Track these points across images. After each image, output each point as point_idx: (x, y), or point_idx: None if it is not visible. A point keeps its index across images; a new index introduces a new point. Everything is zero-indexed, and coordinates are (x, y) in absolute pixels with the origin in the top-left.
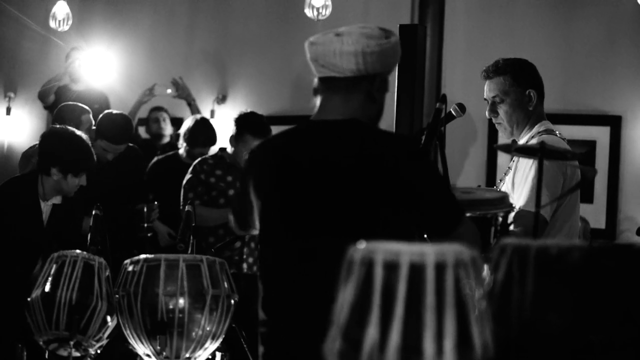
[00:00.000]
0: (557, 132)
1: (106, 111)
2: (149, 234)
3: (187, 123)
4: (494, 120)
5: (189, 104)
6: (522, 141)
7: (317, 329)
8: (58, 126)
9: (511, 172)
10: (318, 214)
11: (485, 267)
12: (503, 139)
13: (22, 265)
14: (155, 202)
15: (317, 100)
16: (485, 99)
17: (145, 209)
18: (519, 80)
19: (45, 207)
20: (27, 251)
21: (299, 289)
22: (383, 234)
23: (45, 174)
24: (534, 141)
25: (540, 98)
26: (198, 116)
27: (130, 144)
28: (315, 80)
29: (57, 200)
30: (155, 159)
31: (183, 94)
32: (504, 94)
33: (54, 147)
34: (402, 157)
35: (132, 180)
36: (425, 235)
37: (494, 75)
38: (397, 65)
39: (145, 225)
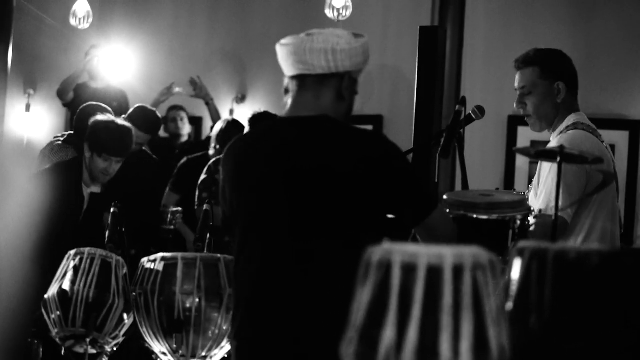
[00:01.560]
0: (587, 123)
1: (138, 105)
2: (170, 236)
3: (219, 125)
4: (522, 113)
5: (207, 104)
6: (554, 134)
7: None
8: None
9: (536, 174)
10: (292, 211)
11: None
12: (523, 139)
13: (58, 246)
14: (179, 208)
15: (288, 99)
16: (515, 90)
17: (169, 213)
18: (547, 72)
19: (86, 193)
20: (64, 235)
21: (262, 290)
22: (358, 229)
23: (81, 150)
24: (560, 138)
25: (571, 90)
26: (229, 118)
27: (144, 148)
28: (286, 80)
29: (96, 189)
30: (185, 159)
31: (201, 93)
32: (532, 86)
33: (86, 120)
34: (374, 152)
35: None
36: (401, 225)
37: (523, 66)
38: (365, 66)
39: (167, 228)
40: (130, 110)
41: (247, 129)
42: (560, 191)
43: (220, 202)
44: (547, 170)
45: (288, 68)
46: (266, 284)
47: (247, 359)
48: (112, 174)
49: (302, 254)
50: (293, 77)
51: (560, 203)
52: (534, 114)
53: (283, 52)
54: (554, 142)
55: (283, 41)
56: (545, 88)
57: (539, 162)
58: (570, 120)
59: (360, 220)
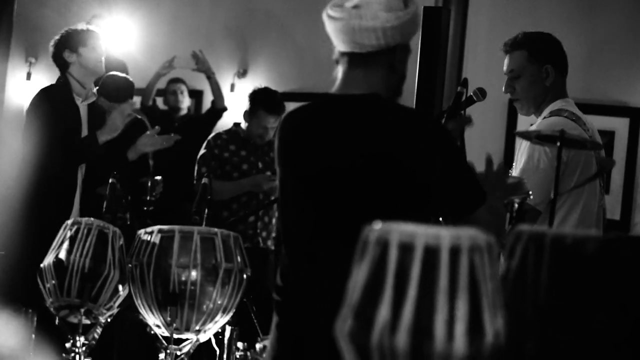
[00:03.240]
0: (572, 110)
1: (109, 73)
2: (151, 208)
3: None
4: (511, 96)
5: (209, 78)
6: (539, 119)
7: (334, 304)
8: None
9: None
10: (336, 190)
11: (500, 253)
12: (523, 124)
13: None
14: (159, 177)
15: (338, 71)
16: (504, 73)
17: (149, 183)
18: (535, 55)
19: (82, 107)
20: (68, 155)
21: (317, 264)
22: (401, 213)
23: (66, 68)
24: (539, 124)
25: (559, 73)
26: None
27: (139, 116)
28: (336, 50)
29: (91, 98)
30: (215, 134)
31: (203, 67)
32: (520, 69)
33: (59, 37)
34: (423, 134)
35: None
36: (441, 217)
37: (511, 50)
38: (418, 31)
39: (149, 199)
40: (102, 79)
41: (247, 105)
42: (535, 178)
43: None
44: (519, 153)
45: (337, 43)
46: (307, 265)
47: (283, 337)
48: (104, 50)
49: (341, 234)
50: (342, 53)
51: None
52: (523, 98)
53: (331, 26)
54: (534, 126)
55: (330, 12)
56: (533, 71)
57: (519, 142)
58: (555, 106)
59: (403, 207)
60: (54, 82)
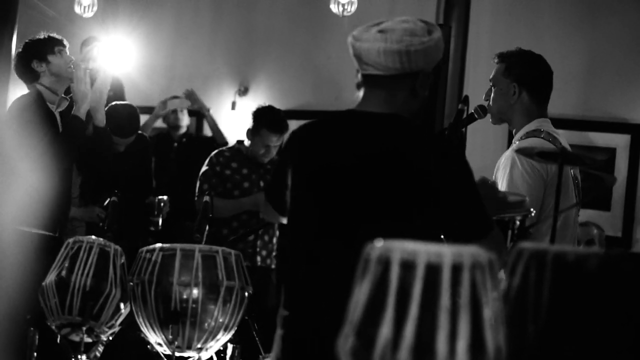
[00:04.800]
0: (552, 132)
1: (112, 104)
2: (159, 227)
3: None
4: (487, 104)
5: (204, 115)
6: (516, 137)
7: (337, 322)
8: None
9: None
10: (350, 206)
11: (502, 270)
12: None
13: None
14: (165, 197)
15: (360, 93)
16: None
17: (156, 202)
18: (509, 71)
19: (57, 115)
20: (60, 158)
21: (325, 280)
22: (410, 232)
23: (36, 79)
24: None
25: (531, 96)
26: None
27: (140, 132)
28: (359, 75)
29: (63, 105)
30: (217, 151)
31: (197, 104)
32: (495, 81)
33: (22, 49)
34: (440, 157)
35: (140, 172)
36: (448, 240)
37: (498, 61)
38: (439, 59)
39: (156, 219)
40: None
41: (250, 123)
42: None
43: (272, 188)
44: (500, 168)
45: (360, 65)
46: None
47: (288, 349)
48: (72, 59)
49: (352, 248)
50: (365, 75)
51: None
52: (492, 108)
53: (355, 49)
54: (513, 146)
55: (355, 34)
56: (503, 85)
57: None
58: (531, 126)
59: (415, 223)
60: None
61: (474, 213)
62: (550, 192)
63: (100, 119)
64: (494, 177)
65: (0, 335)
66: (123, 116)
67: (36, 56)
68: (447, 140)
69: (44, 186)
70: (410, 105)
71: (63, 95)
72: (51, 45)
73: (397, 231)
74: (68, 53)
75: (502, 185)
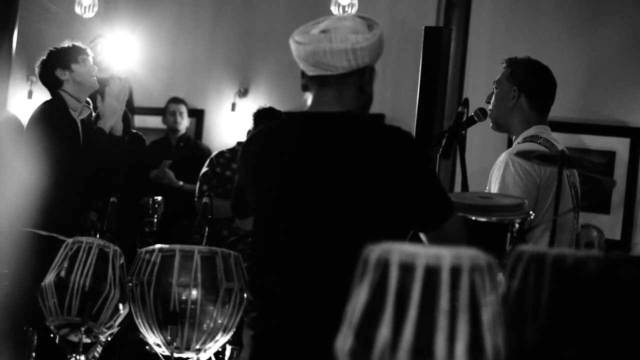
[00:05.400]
0: (546, 137)
1: None
2: (154, 228)
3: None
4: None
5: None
6: (514, 144)
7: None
8: None
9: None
10: (317, 206)
11: (501, 273)
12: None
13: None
14: (160, 197)
15: (308, 95)
16: None
17: (150, 203)
18: (512, 75)
19: (78, 121)
20: (79, 165)
21: (290, 282)
22: (381, 228)
23: (59, 86)
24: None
25: (530, 103)
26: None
27: (134, 130)
28: (304, 77)
29: (85, 113)
30: (217, 152)
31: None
32: (498, 84)
33: (46, 57)
34: (400, 150)
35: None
36: (414, 230)
37: (505, 65)
38: (382, 53)
39: (150, 219)
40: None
41: (251, 124)
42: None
43: (234, 190)
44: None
45: (307, 67)
46: (284, 279)
47: (261, 348)
48: (96, 68)
49: (320, 251)
50: (312, 77)
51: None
52: (492, 110)
53: (300, 51)
54: (509, 149)
55: (297, 38)
56: (504, 88)
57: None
58: (529, 132)
59: (378, 217)
60: None
61: (436, 198)
62: (543, 196)
63: (119, 129)
64: (489, 179)
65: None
66: None
67: (60, 64)
68: (406, 133)
69: (58, 191)
70: (360, 101)
71: (85, 103)
72: (75, 54)
73: (375, 230)
74: (92, 62)
75: (494, 188)
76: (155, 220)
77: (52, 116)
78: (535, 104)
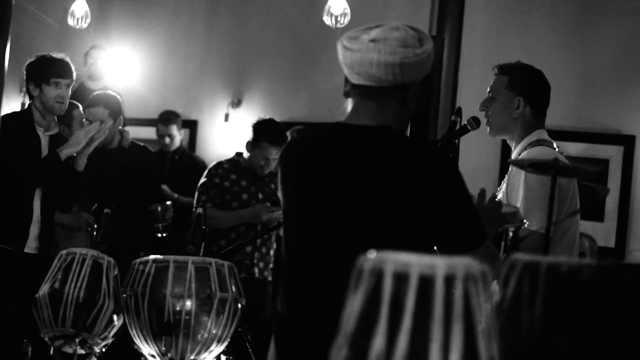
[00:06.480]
0: (552, 142)
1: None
2: (164, 234)
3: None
4: (484, 115)
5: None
6: (517, 148)
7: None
8: None
9: (504, 185)
10: (342, 218)
11: (495, 282)
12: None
13: (22, 192)
14: (169, 202)
15: (349, 103)
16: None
17: (159, 209)
18: (513, 84)
19: (44, 137)
20: (27, 179)
21: (314, 291)
22: (403, 244)
23: (31, 98)
24: (528, 152)
25: (533, 110)
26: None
27: (142, 144)
28: (347, 83)
29: (54, 130)
30: (216, 162)
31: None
32: (496, 92)
33: (26, 66)
34: (433, 168)
35: (146, 181)
36: (441, 251)
37: (498, 73)
38: (430, 70)
39: (161, 225)
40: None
41: (250, 135)
42: (540, 205)
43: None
44: (515, 184)
45: (351, 75)
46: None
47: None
48: (66, 100)
49: (339, 261)
50: (356, 85)
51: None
52: (492, 120)
53: (347, 57)
54: (515, 154)
55: (346, 43)
56: (506, 98)
57: (508, 172)
58: (534, 136)
59: (409, 234)
60: None
61: (467, 223)
62: (565, 198)
63: (81, 165)
64: (499, 189)
65: None
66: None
67: (33, 79)
68: (440, 150)
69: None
70: (400, 116)
71: (56, 120)
72: (49, 74)
73: (390, 242)
74: (66, 94)
75: (519, 195)
76: (165, 225)
77: (9, 125)
78: (538, 111)
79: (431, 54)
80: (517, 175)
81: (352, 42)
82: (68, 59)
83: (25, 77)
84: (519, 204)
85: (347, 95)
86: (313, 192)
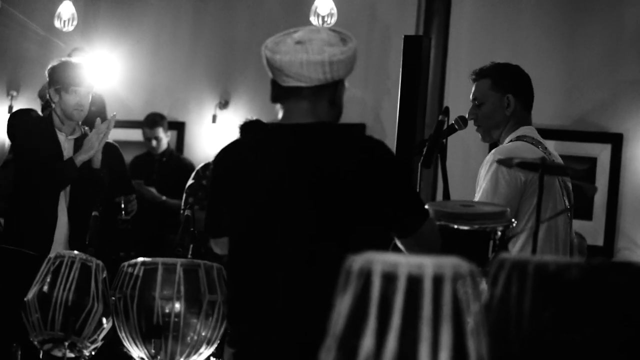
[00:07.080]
0: (536, 137)
1: None
2: (129, 226)
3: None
4: (474, 123)
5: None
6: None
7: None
8: None
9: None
10: (294, 217)
11: (483, 281)
12: None
13: (44, 197)
14: (133, 195)
15: (279, 108)
16: (471, 101)
17: (122, 201)
18: (498, 85)
19: (67, 142)
20: (46, 184)
21: (266, 294)
22: (359, 236)
23: (51, 104)
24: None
25: (522, 104)
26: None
27: (109, 141)
28: (275, 88)
29: (77, 133)
30: (204, 164)
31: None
32: (483, 97)
33: (48, 71)
34: (376, 157)
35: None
36: (391, 234)
37: (477, 78)
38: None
39: (124, 217)
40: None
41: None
42: (495, 200)
43: (207, 207)
44: (480, 177)
45: (280, 78)
46: (270, 290)
47: None
48: (86, 107)
49: (302, 257)
50: (286, 88)
51: None
52: (484, 124)
53: (275, 62)
54: (494, 150)
55: (271, 47)
56: (495, 99)
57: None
58: (516, 133)
59: (355, 225)
60: None
61: (411, 205)
62: (526, 197)
63: (97, 163)
64: (477, 177)
65: None
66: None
67: (54, 85)
68: (380, 142)
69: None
70: (331, 114)
71: (79, 124)
72: (69, 82)
73: (353, 239)
74: (86, 101)
75: (480, 189)
76: (127, 218)
77: (37, 124)
78: (525, 105)
79: (356, 52)
80: (484, 170)
81: (277, 46)
82: (87, 65)
83: (47, 82)
84: (477, 195)
85: (275, 100)
86: (276, 193)
